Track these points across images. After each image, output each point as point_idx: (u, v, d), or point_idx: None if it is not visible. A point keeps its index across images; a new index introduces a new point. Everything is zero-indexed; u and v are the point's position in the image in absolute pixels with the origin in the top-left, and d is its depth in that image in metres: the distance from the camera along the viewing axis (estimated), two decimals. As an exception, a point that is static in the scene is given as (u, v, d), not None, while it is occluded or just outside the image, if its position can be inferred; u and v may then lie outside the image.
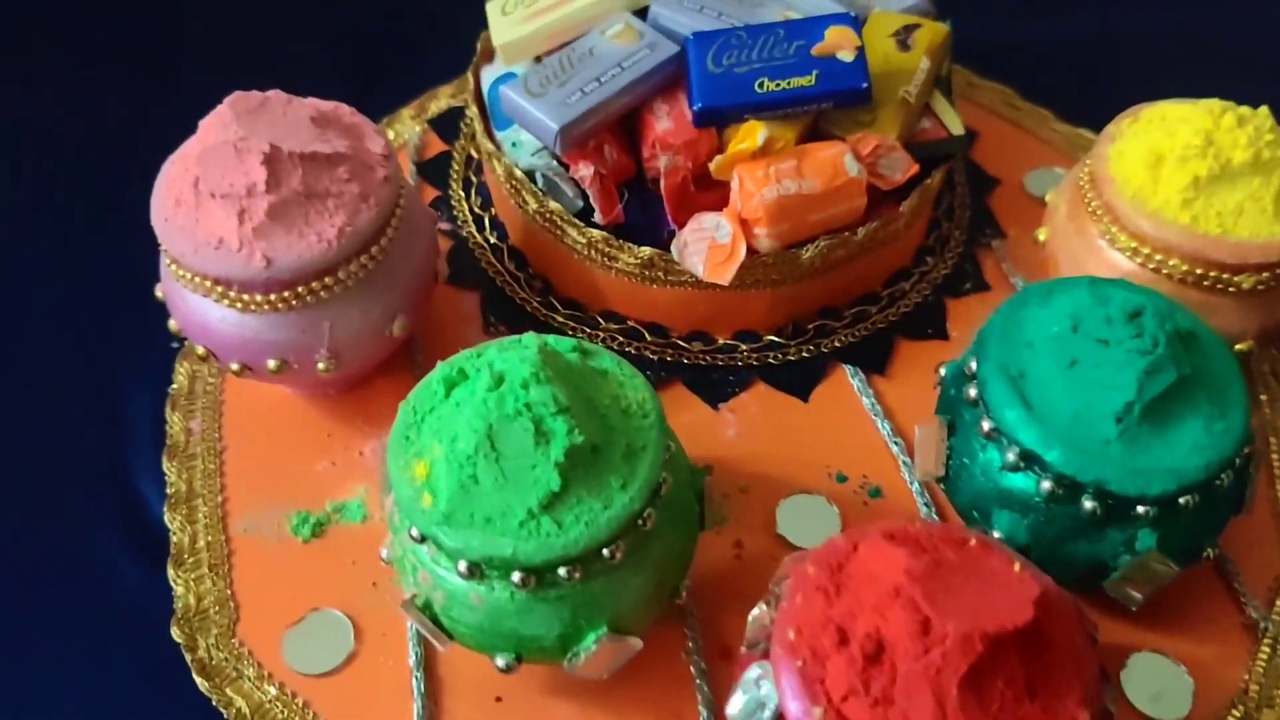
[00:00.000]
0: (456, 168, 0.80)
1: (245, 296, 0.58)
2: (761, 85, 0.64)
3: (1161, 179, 0.61)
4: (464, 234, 0.76)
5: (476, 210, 0.77)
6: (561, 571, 0.49)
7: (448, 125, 0.83)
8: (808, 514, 0.63)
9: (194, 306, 0.60)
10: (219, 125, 0.58)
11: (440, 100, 0.86)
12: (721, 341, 0.70)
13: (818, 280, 0.68)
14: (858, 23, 0.65)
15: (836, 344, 0.70)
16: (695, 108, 0.64)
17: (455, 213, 0.77)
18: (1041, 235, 0.69)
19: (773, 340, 0.70)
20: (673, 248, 0.64)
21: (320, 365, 0.61)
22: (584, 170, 0.65)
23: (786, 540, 0.62)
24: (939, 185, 0.71)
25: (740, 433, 0.67)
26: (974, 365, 0.56)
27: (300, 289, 0.58)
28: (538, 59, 0.70)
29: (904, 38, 0.70)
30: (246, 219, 0.57)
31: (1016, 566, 0.45)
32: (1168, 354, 0.52)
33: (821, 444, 0.66)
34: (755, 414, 0.67)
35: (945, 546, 0.45)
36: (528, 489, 0.48)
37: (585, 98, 0.64)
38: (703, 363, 0.69)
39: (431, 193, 0.79)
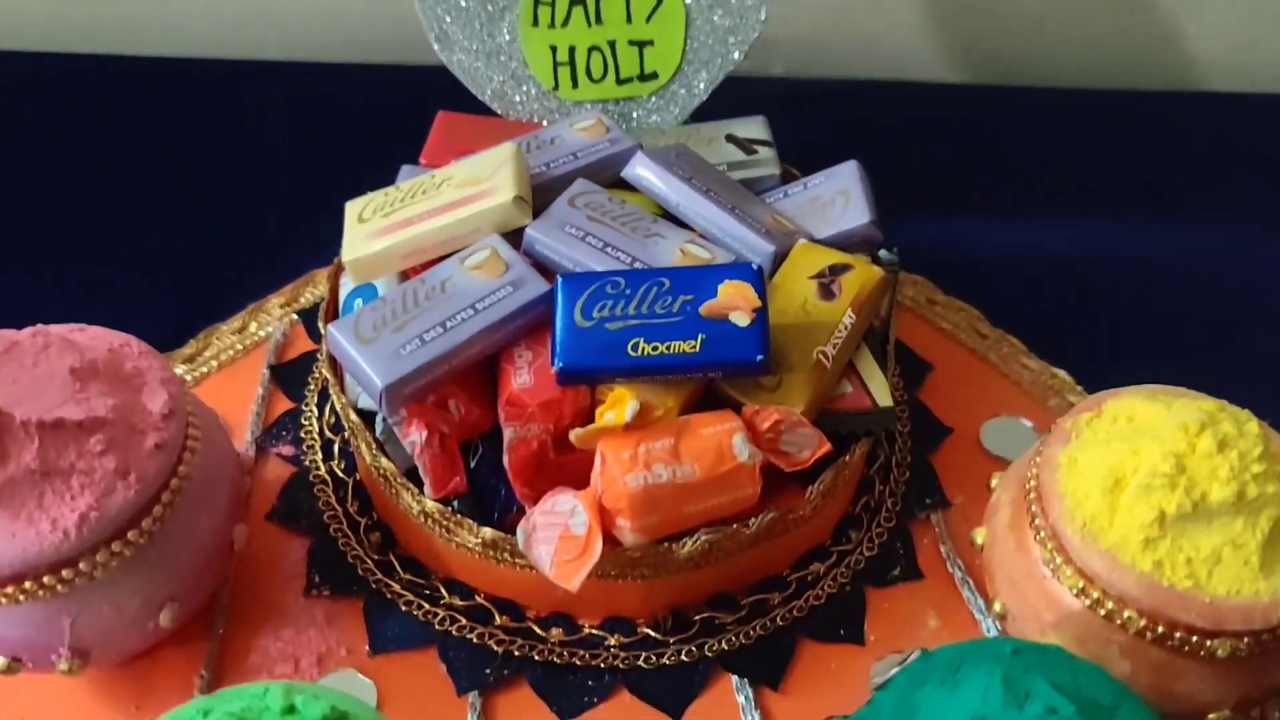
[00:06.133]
0: (316, 375, 0.69)
1: (-41, 589, 0.47)
2: (636, 347, 0.53)
3: (1120, 508, 0.49)
4: (307, 462, 0.64)
5: (328, 432, 0.66)
6: None
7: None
8: None
9: (-90, 584, 0.49)
10: (-59, 380, 0.47)
11: (319, 286, 0.75)
12: (586, 630, 0.58)
13: (704, 570, 0.56)
14: (759, 276, 0.53)
15: (725, 645, 0.57)
16: (556, 367, 0.53)
17: (304, 432, 0.66)
18: (979, 538, 0.56)
19: (648, 635, 0.58)
20: (519, 531, 0.53)
21: (62, 666, 0.49)
22: (414, 436, 0.53)
23: None
24: (859, 464, 0.59)
25: (589, 763, 0.54)
26: (855, 755, 0.44)
27: (28, 584, 0.47)
28: (404, 275, 0.60)
29: (829, 281, 0.58)
30: (-40, 500, 0.46)
31: None
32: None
33: (688, 784, 0.54)
34: (613, 735, 0.55)
35: None
36: None
37: (423, 348, 0.53)
38: (558, 660, 0.57)
39: (283, 404, 0.68)
